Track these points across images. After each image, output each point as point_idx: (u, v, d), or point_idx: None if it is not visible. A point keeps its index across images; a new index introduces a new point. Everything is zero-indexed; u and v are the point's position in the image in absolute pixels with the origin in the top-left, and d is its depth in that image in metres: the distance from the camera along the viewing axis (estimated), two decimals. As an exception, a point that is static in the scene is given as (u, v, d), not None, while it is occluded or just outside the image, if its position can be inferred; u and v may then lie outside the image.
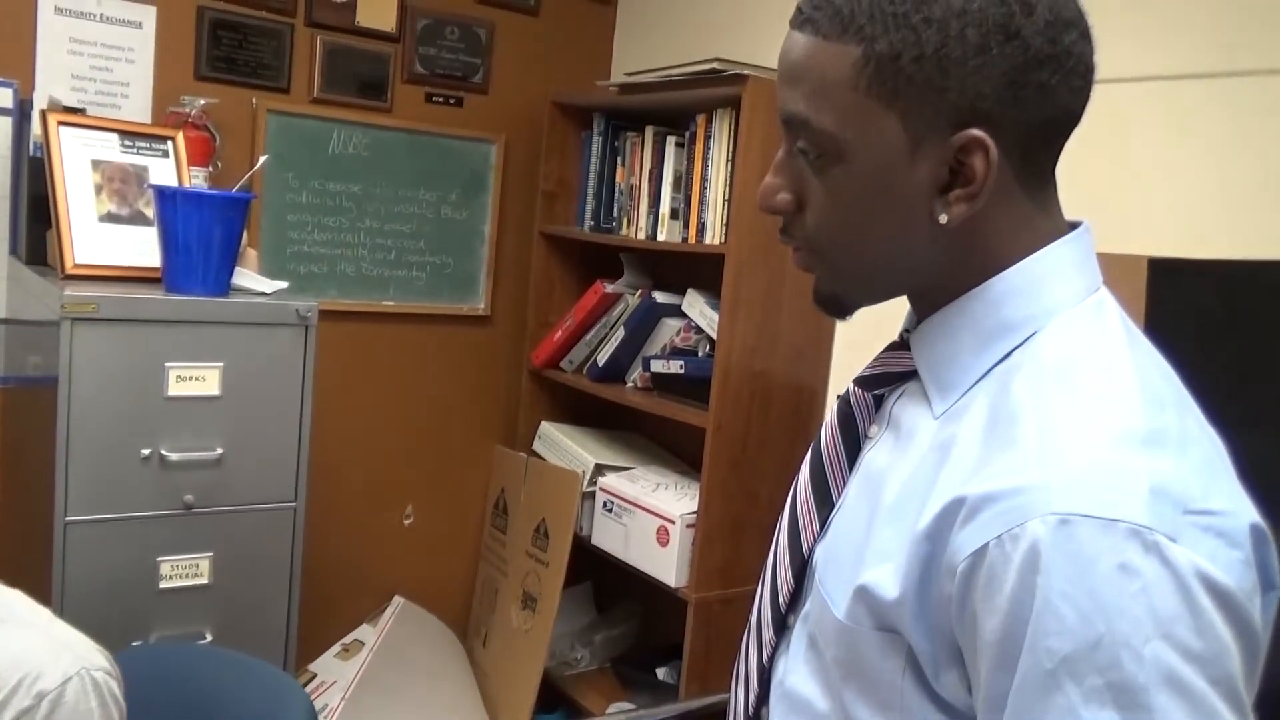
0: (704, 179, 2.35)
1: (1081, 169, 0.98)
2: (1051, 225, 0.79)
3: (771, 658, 0.89)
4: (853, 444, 0.88)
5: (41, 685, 1.06)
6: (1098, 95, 0.79)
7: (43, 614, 1.19)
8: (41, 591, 1.77)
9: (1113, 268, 0.91)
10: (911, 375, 0.83)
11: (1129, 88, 1.76)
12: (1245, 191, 1.65)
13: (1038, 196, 0.78)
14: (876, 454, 0.84)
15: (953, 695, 0.72)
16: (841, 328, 2.34)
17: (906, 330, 0.86)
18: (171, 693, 1.46)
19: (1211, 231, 1.67)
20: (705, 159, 2.35)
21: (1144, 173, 1.77)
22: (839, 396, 0.91)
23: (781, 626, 0.89)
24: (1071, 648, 0.63)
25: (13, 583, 1.23)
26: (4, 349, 2.25)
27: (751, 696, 0.90)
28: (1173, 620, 0.63)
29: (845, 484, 0.87)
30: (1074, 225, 0.80)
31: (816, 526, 0.87)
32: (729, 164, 2.28)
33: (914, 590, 0.72)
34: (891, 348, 0.87)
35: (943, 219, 0.75)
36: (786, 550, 0.89)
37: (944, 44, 0.71)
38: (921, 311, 0.83)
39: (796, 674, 0.85)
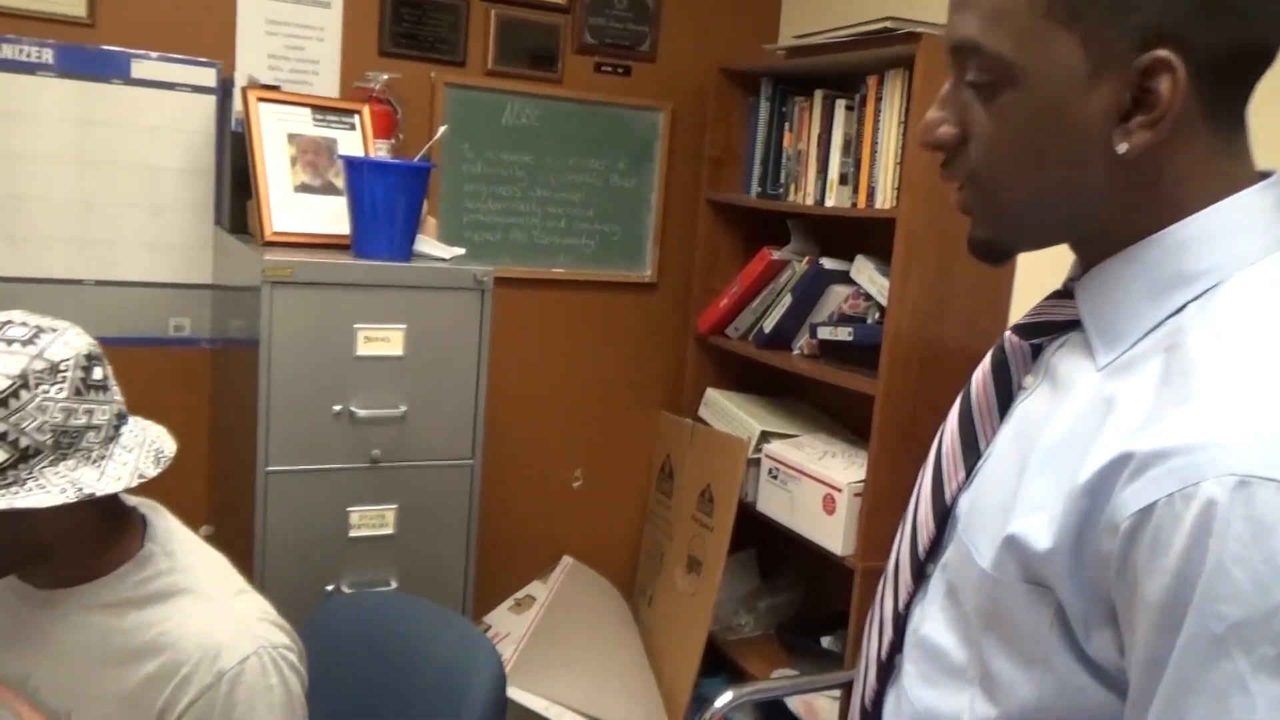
0: (874, 142, 2.30)
1: (1271, 106, 0.91)
2: (1240, 172, 0.74)
3: (908, 605, 0.88)
4: (1005, 393, 0.85)
5: (221, 664, 1.08)
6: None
7: (231, 586, 1.20)
8: (246, 536, 1.91)
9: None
10: (1073, 325, 0.80)
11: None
12: None
13: (1225, 138, 0.73)
14: (1032, 404, 0.81)
15: (1102, 655, 0.70)
16: (1019, 296, 2.25)
17: (1071, 279, 0.83)
18: (371, 637, 1.54)
19: None
20: (876, 122, 2.30)
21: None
22: (995, 346, 0.88)
23: (920, 575, 0.87)
24: (1243, 614, 0.60)
25: (221, 526, 1.29)
26: (211, 313, 2.42)
27: (885, 643, 0.89)
28: None
29: (994, 434, 0.84)
30: (1265, 175, 0.75)
31: (962, 475, 0.85)
32: (901, 126, 2.22)
33: (1068, 545, 0.69)
34: (1054, 296, 0.84)
35: (1121, 148, 0.71)
36: (929, 498, 0.87)
37: None
38: (1088, 259, 0.79)
39: (933, 622, 0.83)
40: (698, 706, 2.33)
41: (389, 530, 2.00)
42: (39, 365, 1.04)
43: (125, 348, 1.16)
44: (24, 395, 1.02)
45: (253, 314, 1.90)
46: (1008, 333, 0.87)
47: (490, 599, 2.71)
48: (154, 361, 2.35)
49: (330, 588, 1.96)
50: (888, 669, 0.89)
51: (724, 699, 1.95)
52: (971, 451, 0.85)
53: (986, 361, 0.88)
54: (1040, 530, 0.71)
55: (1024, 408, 0.82)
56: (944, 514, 0.85)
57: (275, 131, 2.09)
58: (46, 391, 1.04)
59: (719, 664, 2.69)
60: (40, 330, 1.07)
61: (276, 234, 2.03)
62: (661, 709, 2.52)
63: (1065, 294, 0.82)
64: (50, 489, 1.03)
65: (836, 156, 2.41)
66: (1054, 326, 0.83)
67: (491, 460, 2.17)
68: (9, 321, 1.07)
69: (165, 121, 2.34)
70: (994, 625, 0.76)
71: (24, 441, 1.02)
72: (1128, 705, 0.68)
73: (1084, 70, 0.71)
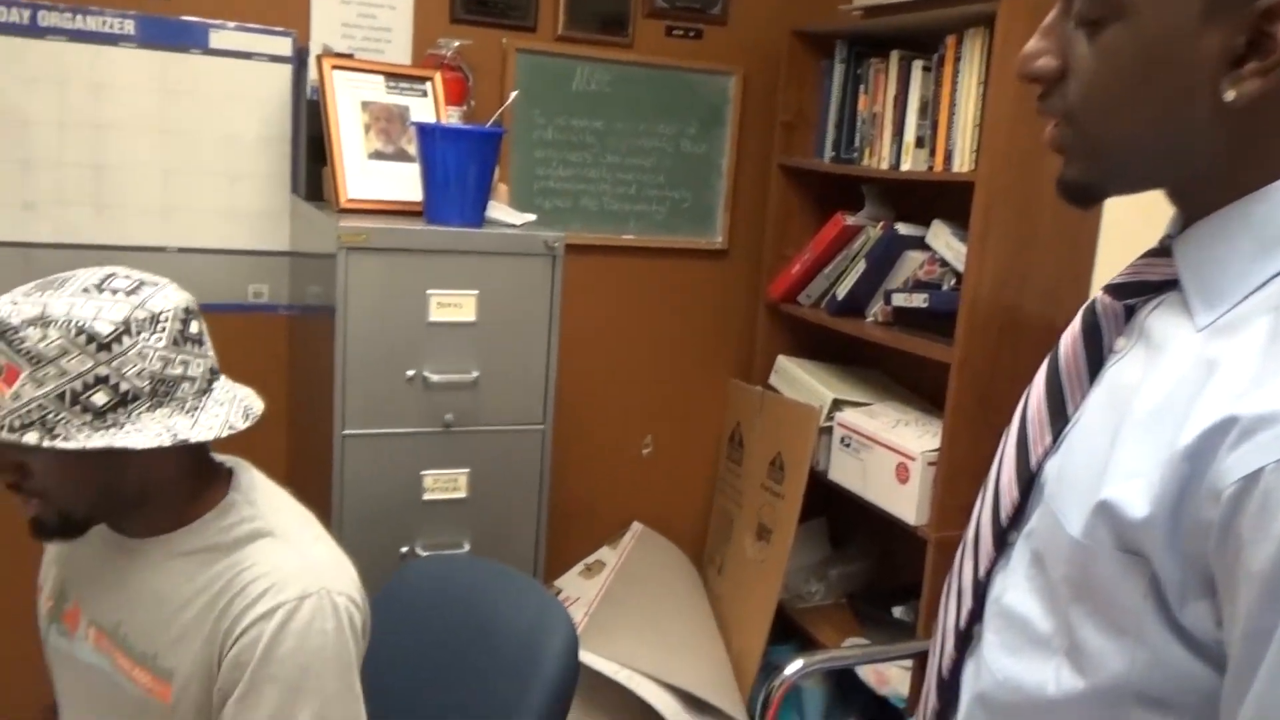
0: (953, 104, 2.25)
1: None
2: None
3: (988, 573, 0.85)
4: (1096, 356, 0.82)
5: (281, 597, 1.10)
6: None
7: (309, 533, 1.23)
8: (323, 498, 1.94)
9: None
10: (1170, 285, 0.77)
11: None
12: None
13: None
14: (1125, 367, 0.78)
15: (1198, 627, 0.68)
16: (1102, 261, 2.19)
17: (1169, 236, 0.79)
18: (447, 599, 1.57)
19: None
20: (955, 83, 2.24)
21: None
22: (1085, 307, 0.85)
23: (1001, 543, 0.85)
24: None
25: (299, 489, 1.32)
26: (289, 280, 2.47)
27: (964, 612, 0.87)
28: None
29: (1084, 398, 0.81)
30: None
31: (1048, 440, 0.82)
32: (981, 86, 2.16)
33: (1166, 512, 0.67)
34: (1149, 254, 0.81)
35: (1229, 95, 0.68)
36: (1013, 464, 0.84)
37: None
38: (1189, 213, 0.76)
39: (1016, 590, 0.81)
40: (767, 674, 2.32)
41: (462, 494, 2.02)
42: (141, 314, 1.08)
43: (207, 314, 1.18)
44: (126, 341, 1.06)
45: (328, 280, 1.92)
46: (1099, 293, 0.83)
47: (560, 563, 2.73)
48: (234, 327, 2.40)
49: (405, 549, 1.99)
50: (966, 638, 0.87)
51: (794, 666, 1.95)
52: (1059, 416, 0.82)
53: (1076, 323, 0.85)
54: (1136, 497, 0.69)
55: (1116, 371, 0.79)
56: (1028, 480, 0.83)
57: (349, 99, 2.11)
58: (146, 339, 1.07)
59: (788, 632, 2.69)
60: (142, 283, 1.12)
61: (351, 201, 2.05)
62: (731, 675, 2.52)
63: (1162, 252, 0.79)
64: (146, 432, 1.07)
65: (913, 119, 2.36)
66: (1149, 286, 0.79)
67: (562, 427, 2.18)
68: (113, 274, 1.12)
69: (243, 91, 2.38)
70: (1083, 594, 0.74)
71: (124, 386, 1.06)
72: (1227, 679, 0.66)
73: (1197, 9, 0.68)
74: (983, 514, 0.87)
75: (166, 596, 1.16)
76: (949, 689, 0.88)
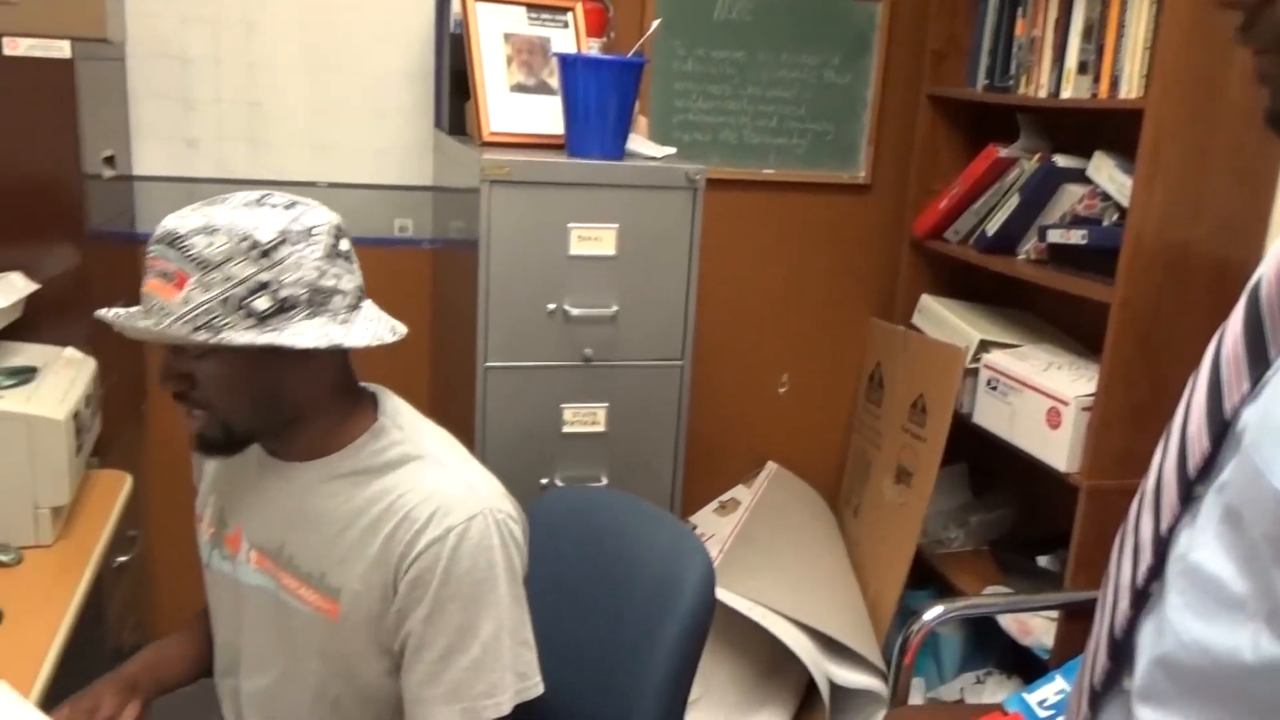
0: (1121, 25, 2.10)
1: None
2: None
3: (1172, 529, 0.79)
4: None
5: (450, 521, 1.15)
6: None
7: (458, 456, 1.27)
8: (467, 429, 1.98)
9: None
10: None
11: None
12: None
13: None
14: None
15: None
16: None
17: None
18: (587, 530, 1.58)
19: None
20: (1124, 2, 2.09)
21: None
22: None
23: (1188, 496, 0.78)
24: None
25: (445, 418, 1.34)
26: (433, 214, 2.50)
27: (1142, 568, 0.81)
28: None
29: None
30: None
31: (1246, 386, 0.74)
32: (1154, 6, 2.01)
33: None
34: None
35: None
36: (1203, 411, 0.77)
37: None
38: None
39: (1206, 548, 0.74)
40: (903, 619, 2.29)
41: (600, 428, 2.03)
42: (297, 226, 1.13)
43: (354, 248, 1.22)
44: (285, 249, 1.11)
45: (471, 214, 1.94)
46: None
47: (695, 500, 2.74)
48: (380, 261, 2.43)
49: (544, 481, 2.02)
50: (1143, 596, 0.82)
51: (934, 612, 1.91)
52: (1259, 360, 0.75)
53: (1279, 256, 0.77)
54: None
55: None
56: (1222, 429, 0.76)
57: (492, 31, 2.10)
58: (302, 250, 1.12)
59: (925, 577, 2.63)
60: (296, 201, 1.17)
61: (493, 134, 2.06)
62: (867, 619, 2.49)
63: None
64: (306, 336, 1.12)
65: (1076, 43, 2.22)
66: None
67: (699, 363, 2.16)
68: (269, 193, 1.18)
69: (387, 26, 2.41)
70: None
71: (284, 293, 1.11)
72: None
73: None
74: (1165, 464, 0.81)
75: (327, 518, 1.21)
76: (1122, 649, 0.83)
